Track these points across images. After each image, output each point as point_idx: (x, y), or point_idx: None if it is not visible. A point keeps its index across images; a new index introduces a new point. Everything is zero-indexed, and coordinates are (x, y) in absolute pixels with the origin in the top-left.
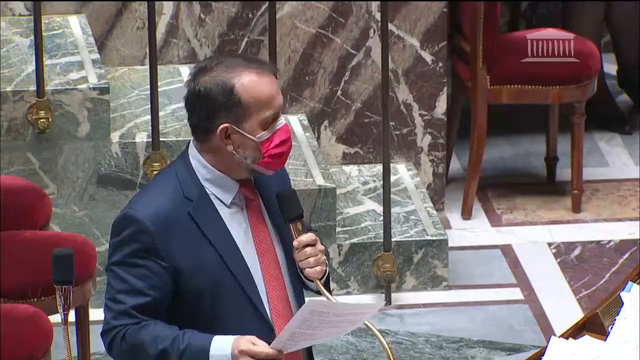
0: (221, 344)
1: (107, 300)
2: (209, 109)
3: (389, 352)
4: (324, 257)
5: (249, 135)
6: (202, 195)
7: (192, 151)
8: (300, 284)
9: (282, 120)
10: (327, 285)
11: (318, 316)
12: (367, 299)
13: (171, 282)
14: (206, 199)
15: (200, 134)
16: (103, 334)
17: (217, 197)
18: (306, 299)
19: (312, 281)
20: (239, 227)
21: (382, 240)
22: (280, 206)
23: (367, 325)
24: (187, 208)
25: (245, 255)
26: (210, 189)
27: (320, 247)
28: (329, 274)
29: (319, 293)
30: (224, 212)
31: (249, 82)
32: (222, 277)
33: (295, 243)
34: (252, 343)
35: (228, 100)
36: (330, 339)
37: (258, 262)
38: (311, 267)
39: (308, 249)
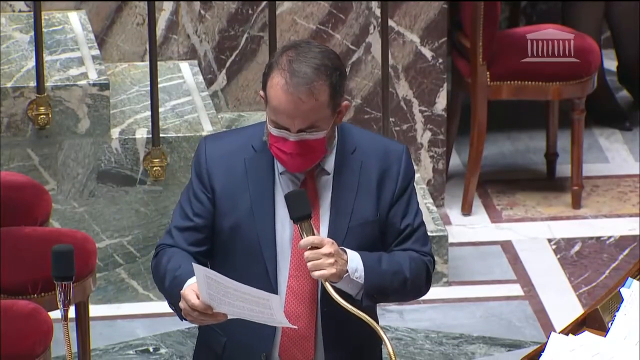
0: (191, 282)
1: None
2: None
3: (390, 348)
4: (330, 260)
5: (268, 118)
6: (265, 150)
7: None
8: None
9: (290, 137)
10: (370, 297)
11: (217, 284)
12: None
13: (214, 212)
14: (267, 155)
15: None
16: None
17: (275, 160)
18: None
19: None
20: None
21: None
22: (287, 206)
23: (368, 321)
24: (246, 155)
25: (279, 221)
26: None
27: (325, 251)
28: (371, 286)
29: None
30: (279, 175)
31: (275, 81)
32: (245, 225)
33: (298, 245)
34: (194, 290)
35: (265, 76)
36: (265, 321)
37: (291, 236)
38: (312, 270)
39: (306, 253)
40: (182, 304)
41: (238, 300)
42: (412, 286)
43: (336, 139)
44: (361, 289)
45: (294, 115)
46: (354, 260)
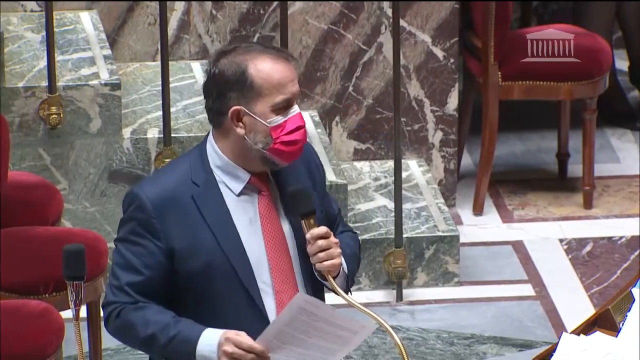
0: (210, 335)
1: (109, 275)
2: (221, 89)
3: (402, 349)
4: (338, 251)
5: (260, 119)
6: (209, 180)
7: (210, 138)
8: (318, 283)
9: (295, 108)
10: (347, 285)
11: (307, 317)
12: (378, 295)
13: (167, 262)
14: (213, 185)
15: (214, 118)
16: (103, 307)
17: (226, 185)
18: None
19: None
20: (244, 217)
21: (393, 236)
22: (291, 202)
23: (379, 322)
24: (191, 192)
25: (248, 244)
26: (219, 176)
27: (333, 240)
28: (350, 273)
29: (333, 291)
30: (230, 200)
31: (262, 65)
32: (215, 260)
33: (307, 236)
34: (238, 335)
35: (239, 80)
36: None
37: (265, 254)
38: (321, 262)
39: (320, 241)
40: (228, 348)
41: (315, 337)
42: (360, 264)
43: None
44: (345, 278)
45: (291, 80)
46: None
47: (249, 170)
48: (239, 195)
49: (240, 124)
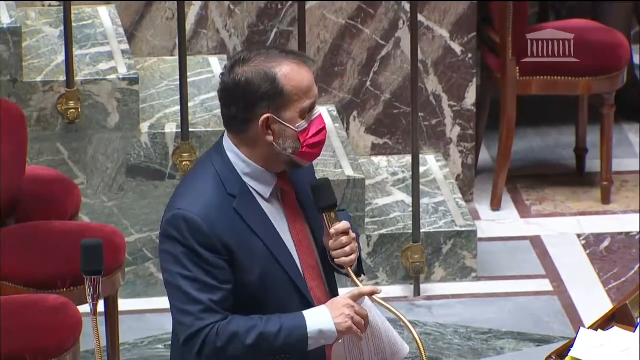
0: (313, 311)
1: (180, 306)
2: (250, 99)
3: (420, 344)
4: (357, 244)
5: (289, 125)
6: (243, 190)
7: (228, 144)
8: (331, 273)
9: (317, 110)
10: (358, 272)
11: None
12: (396, 290)
13: (234, 274)
14: (248, 193)
15: (239, 126)
16: (189, 340)
17: (256, 190)
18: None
19: (343, 268)
20: (278, 219)
21: (411, 231)
22: (314, 196)
23: (397, 316)
24: (231, 204)
25: (287, 245)
26: (249, 183)
27: (352, 235)
28: (361, 260)
29: (347, 277)
30: (263, 204)
31: (290, 71)
32: (269, 268)
33: (332, 231)
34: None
35: (270, 89)
36: None
37: (296, 253)
38: (347, 256)
39: (344, 238)
40: (348, 310)
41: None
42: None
43: None
44: (357, 265)
45: (314, 82)
46: None
47: (275, 173)
48: (268, 199)
49: (269, 131)
